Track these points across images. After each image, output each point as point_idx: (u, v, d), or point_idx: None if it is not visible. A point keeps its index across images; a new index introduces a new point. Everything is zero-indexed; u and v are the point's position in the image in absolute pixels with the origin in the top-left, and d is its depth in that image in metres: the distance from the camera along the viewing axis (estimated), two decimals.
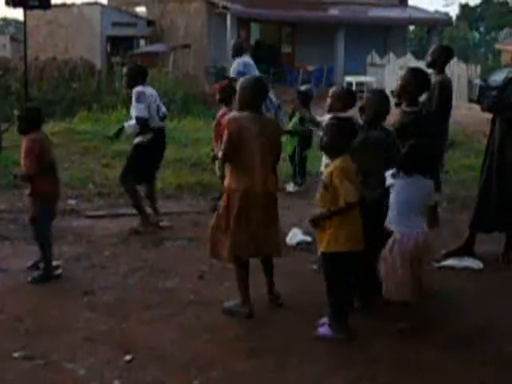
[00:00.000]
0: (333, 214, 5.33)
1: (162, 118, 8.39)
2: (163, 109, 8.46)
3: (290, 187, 10.41)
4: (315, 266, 6.86)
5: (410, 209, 5.45)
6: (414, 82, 6.47)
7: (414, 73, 6.59)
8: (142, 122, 8.14)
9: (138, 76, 8.32)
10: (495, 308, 6.21)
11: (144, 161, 8.31)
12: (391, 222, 5.51)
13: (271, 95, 8.52)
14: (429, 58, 8.48)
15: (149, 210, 8.53)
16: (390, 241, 5.45)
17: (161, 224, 8.47)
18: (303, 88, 8.59)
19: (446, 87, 8.26)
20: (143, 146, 8.26)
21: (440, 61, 8.33)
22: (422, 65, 8.73)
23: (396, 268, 5.39)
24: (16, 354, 5.13)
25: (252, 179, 5.73)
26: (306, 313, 5.86)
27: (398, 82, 6.59)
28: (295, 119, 9.06)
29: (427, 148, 5.52)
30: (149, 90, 8.28)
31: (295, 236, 7.85)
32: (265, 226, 5.81)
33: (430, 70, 8.32)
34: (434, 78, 8.31)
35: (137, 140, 8.31)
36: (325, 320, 5.51)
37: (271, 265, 6.12)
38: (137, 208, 8.37)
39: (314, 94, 10.06)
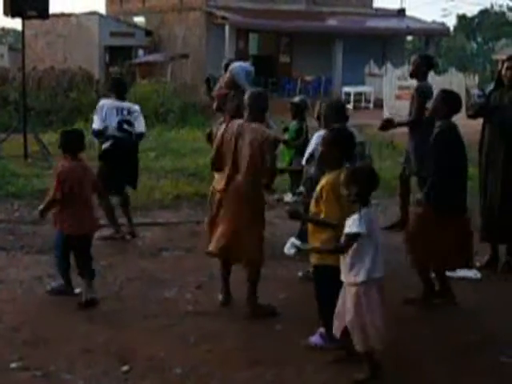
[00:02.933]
0: (309, 220, 5.39)
1: (129, 133, 8.40)
2: (139, 128, 8.49)
3: (288, 197, 10.38)
4: (300, 273, 6.99)
5: (378, 246, 4.92)
6: (447, 105, 6.39)
7: (446, 95, 6.56)
8: (94, 133, 8.54)
9: (112, 89, 8.72)
10: (493, 318, 6.20)
11: (106, 171, 8.30)
12: (360, 272, 4.85)
13: None
14: (410, 68, 8.58)
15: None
16: (358, 292, 4.86)
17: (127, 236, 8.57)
18: (297, 99, 8.55)
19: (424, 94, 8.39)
20: (103, 156, 8.43)
21: (421, 70, 8.43)
22: None
23: (372, 316, 4.87)
24: (13, 365, 5.11)
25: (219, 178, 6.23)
26: (304, 322, 5.82)
27: (431, 105, 6.55)
28: (292, 130, 9.04)
29: (364, 170, 5.04)
30: (114, 103, 8.40)
31: (293, 246, 7.82)
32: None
33: (412, 80, 8.48)
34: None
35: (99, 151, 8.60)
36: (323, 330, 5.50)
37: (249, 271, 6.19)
38: (109, 220, 8.48)
39: (309, 105, 10.00)
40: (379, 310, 4.90)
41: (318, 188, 5.33)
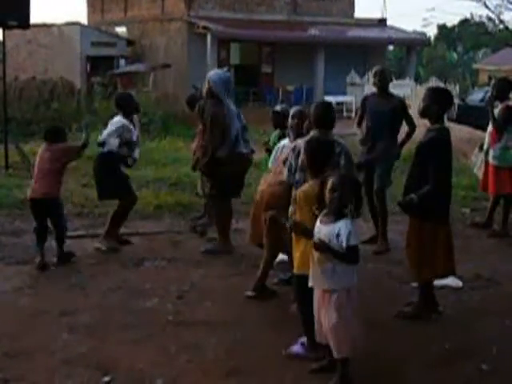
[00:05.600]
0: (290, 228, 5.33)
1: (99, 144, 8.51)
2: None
3: None
4: (275, 280, 7.01)
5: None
6: (438, 102, 6.24)
7: (436, 92, 6.45)
8: None
9: (117, 106, 8.64)
10: (475, 327, 6.24)
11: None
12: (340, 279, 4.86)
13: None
14: (377, 83, 8.59)
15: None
16: (339, 299, 4.86)
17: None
18: (278, 108, 8.55)
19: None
20: None
21: (387, 83, 8.53)
22: (400, 84, 8.87)
23: (349, 323, 4.89)
24: None
25: None
26: (286, 332, 5.84)
27: (421, 104, 6.40)
28: (274, 137, 9.02)
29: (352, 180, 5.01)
30: (113, 120, 8.52)
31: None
32: None
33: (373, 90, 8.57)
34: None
35: None
36: (304, 339, 5.50)
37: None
38: None
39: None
40: (356, 316, 4.90)
41: (294, 197, 5.36)
